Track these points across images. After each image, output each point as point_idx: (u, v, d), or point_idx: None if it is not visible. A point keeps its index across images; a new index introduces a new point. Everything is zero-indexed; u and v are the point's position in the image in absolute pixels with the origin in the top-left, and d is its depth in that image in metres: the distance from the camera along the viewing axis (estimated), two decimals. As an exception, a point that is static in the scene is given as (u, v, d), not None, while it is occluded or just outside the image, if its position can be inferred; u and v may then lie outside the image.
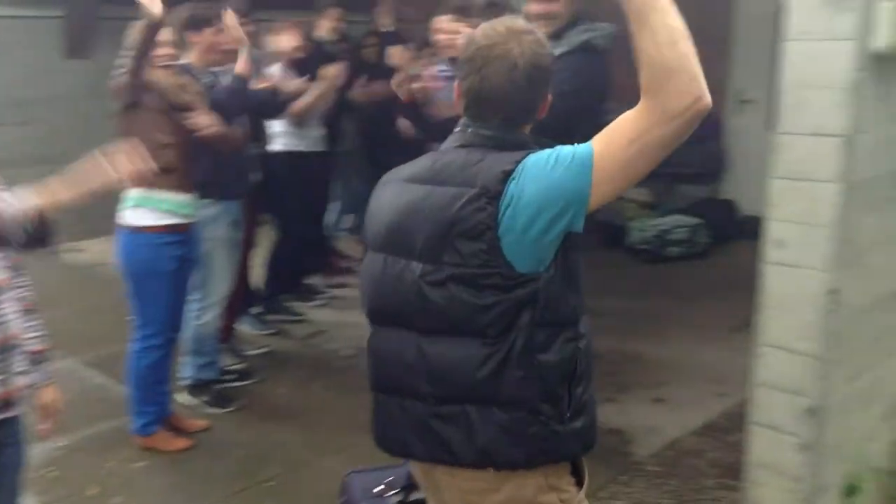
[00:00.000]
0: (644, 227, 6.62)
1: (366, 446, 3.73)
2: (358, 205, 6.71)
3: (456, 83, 1.78)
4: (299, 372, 4.55)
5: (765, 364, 2.73)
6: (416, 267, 1.73)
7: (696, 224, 6.64)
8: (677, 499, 3.36)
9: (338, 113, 5.40)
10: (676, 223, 6.62)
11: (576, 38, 3.21)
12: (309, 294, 5.60)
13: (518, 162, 1.67)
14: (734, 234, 6.97)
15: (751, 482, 2.84)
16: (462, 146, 1.77)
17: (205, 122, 3.59)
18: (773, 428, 2.74)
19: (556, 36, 3.23)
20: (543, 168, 1.66)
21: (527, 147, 1.74)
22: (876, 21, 2.49)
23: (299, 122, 4.98)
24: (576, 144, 1.68)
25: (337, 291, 5.77)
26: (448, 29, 4.23)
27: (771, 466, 2.77)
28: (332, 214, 6.15)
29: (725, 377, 4.36)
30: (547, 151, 1.69)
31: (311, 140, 5.18)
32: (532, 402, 1.70)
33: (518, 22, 1.76)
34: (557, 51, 3.19)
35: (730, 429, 3.88)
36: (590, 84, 3.22)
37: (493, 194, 1.65)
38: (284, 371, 4.55)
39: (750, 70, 7.12)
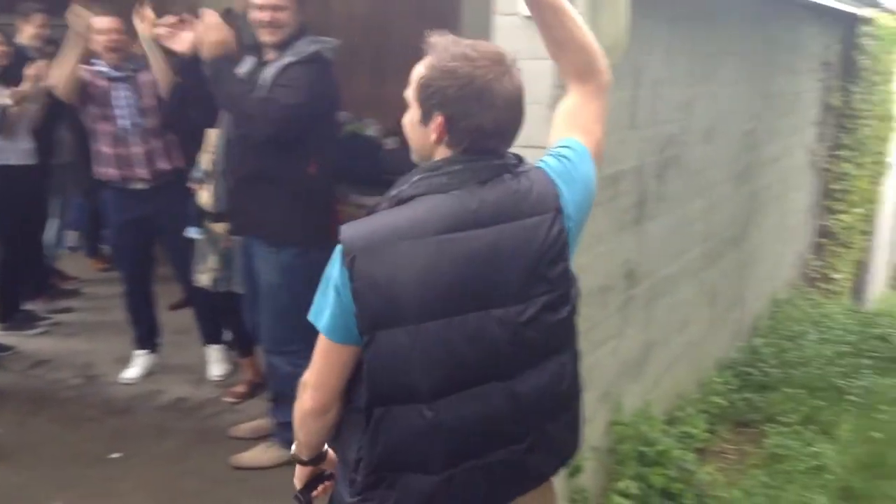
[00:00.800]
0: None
1: (97, 479, 3.55)
2: (80, 220, 6.26)
3: (441, 121, 1.61)
4: (19, 406, 4.15)
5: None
6: (505, 313, 1.58)
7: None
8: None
9: (50, 122, 4.98)
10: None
11: (305, 48, 3.23)
12: (28, 321, 5.12)
13: (548, 177, 1.67)
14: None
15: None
16: (484, 182, 1.61)
17: None
18: (501, 421, 2.92)
19: (283, 46, 3.24)
20: (569, 171, 1.69)
21: (517, 163, 1.68)
22: (571, 42, 2.73)
23: (6, 133, 4.54)
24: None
25: (60, 317, 5.33)
26: (107, 29, 4.06)
27: (501, 457, 2.94)
28: (51, 232, 5.66)
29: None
30: (549, 157, 1.71)
31: (19, 152, 4.75)
32: (581, 389, 1.76)
33: (490, 44, 1.68)
34: (285, 60, 3.20)
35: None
36: (323, 94, 3.28)
37: (561, 212, 1.64)
38: (1, 407, 4.13)
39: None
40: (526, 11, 2.66)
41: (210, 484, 3.43)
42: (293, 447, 1.87)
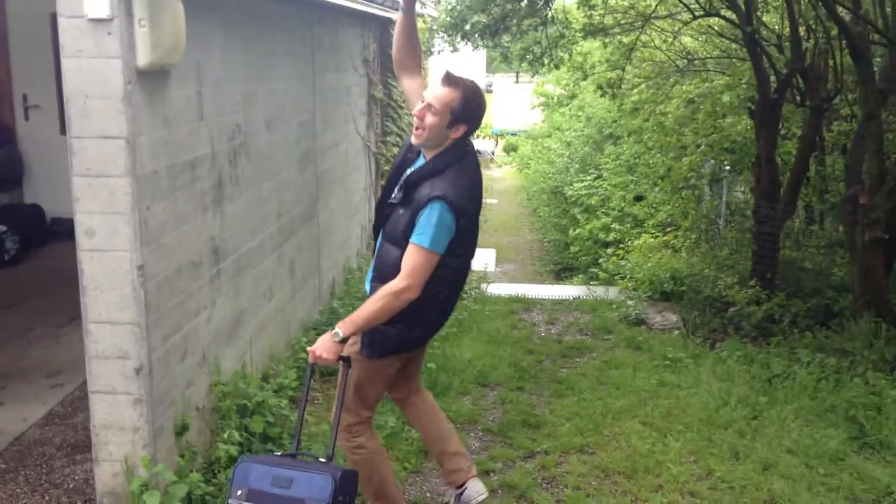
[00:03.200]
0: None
1: None
2: None
3: (465, 129, 3.01)
4: None
5: (95, 339, 3.12)
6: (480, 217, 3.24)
7: (3, 231, 6.55)
8: (30, 486, 3.53)
9: None
10: (-18, 233, 6.44)
11: None
12: None
13: None
14: (44, 237, 7.09)
15: (99, 444, 3.21)
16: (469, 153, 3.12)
17: None
18: (110, 392, 3.15)
19: None
20: None
21: None
22: (136, 43, 3.03)
23: None
24: None
25: None
26: None
27: (113, 425, 3.18)
28: None
29: (59, 369, 4.60)
30: None
31: None
32: None
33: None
34: None
35: (70, 413, 4.16)
36: None
37: None
38: None
39: (33, 76, 7.24)
40: (91, 14, 2.94)
41: None
42: (340, 331, 2.88)
